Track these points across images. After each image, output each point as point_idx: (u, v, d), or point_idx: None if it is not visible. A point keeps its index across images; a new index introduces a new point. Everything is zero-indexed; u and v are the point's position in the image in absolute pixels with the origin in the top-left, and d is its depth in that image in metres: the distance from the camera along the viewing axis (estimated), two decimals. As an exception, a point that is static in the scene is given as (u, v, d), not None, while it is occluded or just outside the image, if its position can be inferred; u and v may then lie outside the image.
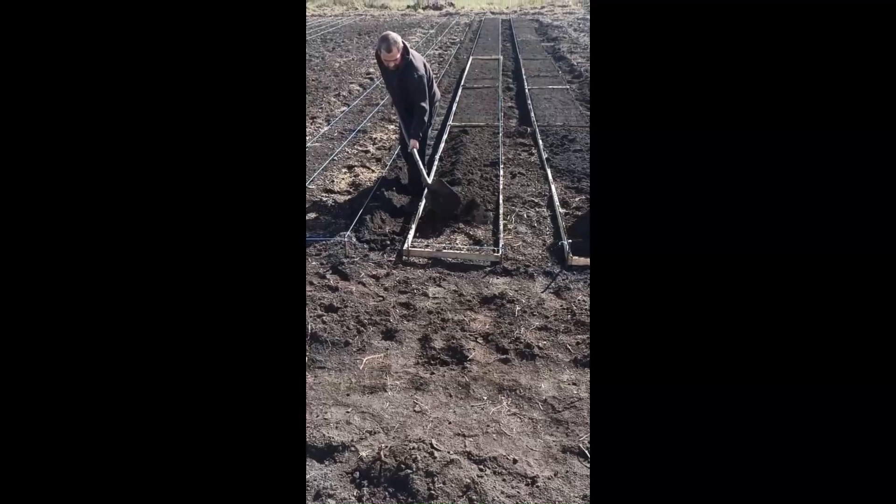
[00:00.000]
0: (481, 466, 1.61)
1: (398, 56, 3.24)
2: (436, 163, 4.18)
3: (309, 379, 2.02)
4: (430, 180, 3.44)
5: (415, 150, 3.47)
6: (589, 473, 1.60)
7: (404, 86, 3.43)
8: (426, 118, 3.48)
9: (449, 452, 1.66)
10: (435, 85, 3.67)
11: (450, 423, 1.80)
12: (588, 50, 9.16)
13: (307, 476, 1.60)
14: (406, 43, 3.34)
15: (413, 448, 1.65)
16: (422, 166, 3.47)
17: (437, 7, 18.90)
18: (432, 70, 3.64)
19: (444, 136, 4.83)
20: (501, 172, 3.97)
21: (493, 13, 17.01)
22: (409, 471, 1.56)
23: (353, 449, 1.68)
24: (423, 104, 3.40)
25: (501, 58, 8.67)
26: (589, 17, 14.30)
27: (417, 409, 1.87)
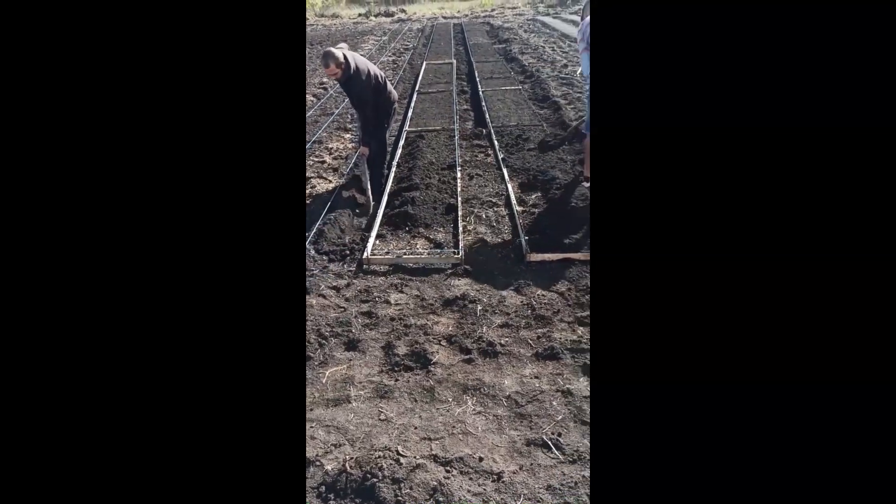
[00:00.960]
0: (448, 468, 1.62)
1: (337, 70, 3.27)
2: (393, 169, 4.18)
3: (271, 397, 1.99)
4: (371, 197, 3.49)
5: (363, 158, 3.48)
6: (553, 464, 1.63)
7: (350, 96, 3.47)
8: (373, 125, 3.51)
9: (415, 457, 1.66)
10: (390, 86, 3.67)
11: (416, 427, 1.80)
12: (538, 50, 9.36)
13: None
14: (347, 54, 3.34)
15: (379, 457, 1.65)
16: (367, 177, 3.50)
17: (388, 14, 18.93)
18: (383, 74, 3.61)
19: (401, 142, 4.84)
20: (459, 175, 4.01)
21: (444, 18, 17.15)
22: (375, 479, 1.55)
23: (318, 464, 1.66)
24: (367, 114, 3.44)
25: (455, 61, 8.75)
26: (538, 18, 14.60)
27: (383, 417, 1.86)
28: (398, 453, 1.67)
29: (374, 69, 3.51)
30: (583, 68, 3.52)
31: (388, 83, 3.67)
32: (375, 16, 18.69)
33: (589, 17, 3.37)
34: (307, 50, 11.50)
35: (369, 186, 3.54)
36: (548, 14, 15.55)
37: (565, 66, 7.81)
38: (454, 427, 1.79)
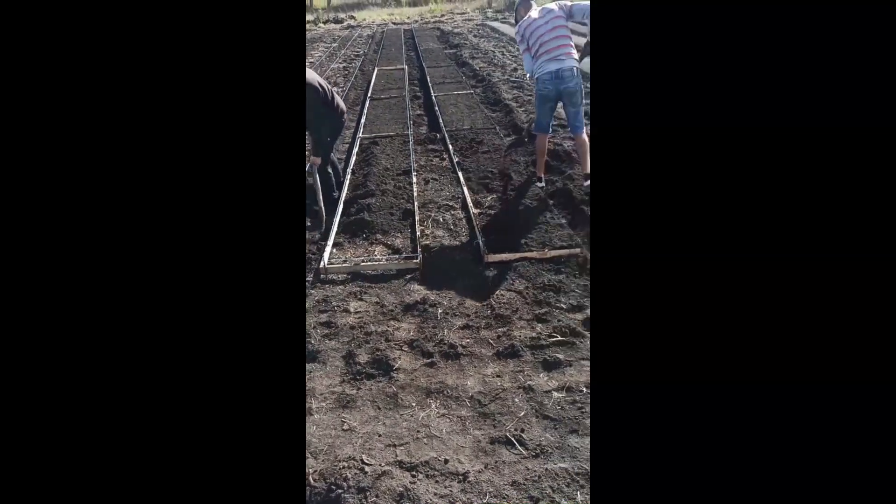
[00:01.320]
0: (413, 473, 1.62)
1: None
2: (348, 176, 4.14)
3: (229, 415, 1.93)
4: (322, 206, 3.42)
5: (315, 168, 3.42)
6: (517, 460, 1.65)
7: None
8: (320, 136, 3.43)
9: (380, 465, 1.65)
10: (338, 98, 3.59)
11: (380, 435, 1.79)
12: (489, 55, 9.51)
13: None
14: None
15: (343, 467, 1.63)
16: (319, 188, 3.43)
17: (337, 21, 18.75)
18: (328, 85, 3.54)
19: (355, 149, 4.80)
20: (415, 180, 4.01)
21: (394, 24, 17.15)
22: (340, 490, 1.53)
23: (280, 479, 1.62)
24: (318, 127, 3.36)
25: (406, 67, 8.76)
26: (487, 23, 14.85)
27: (346, 427, 1.84)
28: (363, 462, 1.66)
29: (321, 81, 3.43)
30: (526, 68, 3.62)
31: (337, 96, 3.60)
32: (325, 22, 18.48)
33: (526, 17, 3.47)
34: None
35: (321, 198, 3.46)
36: (496, 19, 15.83)
37: (515, 69, 7.97)
38: (419, 431, 1.79)
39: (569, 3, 3.33)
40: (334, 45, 12.45)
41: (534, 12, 3.47)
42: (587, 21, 3.20)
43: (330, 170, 3.71)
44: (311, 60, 10.25)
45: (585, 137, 3.43)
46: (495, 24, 14.30)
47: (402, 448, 1.73)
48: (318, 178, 3.43)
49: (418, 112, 6.21)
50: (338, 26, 17.51)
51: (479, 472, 1.61)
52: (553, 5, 3.39)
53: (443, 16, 18.52)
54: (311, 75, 3.35)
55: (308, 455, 1.72)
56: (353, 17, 19.21)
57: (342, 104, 3.67)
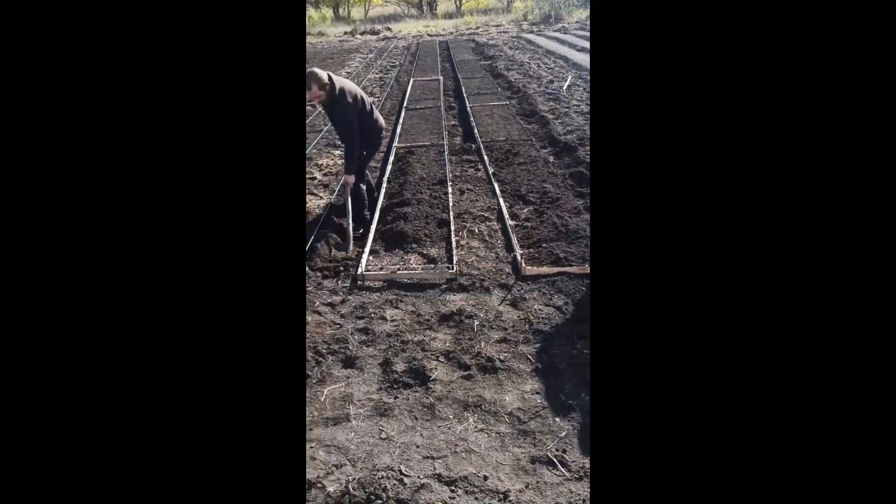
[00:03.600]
0: (452, 487, 1.59)
1: (321, 93, 3.05)
2: (383, 185, 4.18)
3: (268, 418, 1.94)
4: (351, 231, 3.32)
5: (347, 189, 3.36)
6: (559, 481, 1.61)
7: (333, 121, 3.27)
8: (355, 152, 3.29)
9: (419, 477, 1.63)
10: (377, 113, 3.48)
11: (417, 446, 1.77)
12: (524, 67, 9.51)
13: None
14: (332, 75, 3.17)
15: (382, 477, 1.61)
16: (350, 210, 3.33)
17: (374, 32, 19.12)
18: (368, 98, 3.43)
19: (391, 158, 4.85)
20: (450, 190, 4.02)
21: (430, 35, 17.38)
22: (379, 501, 1.52)
23: (319, 486, 1.62)
24: (352, 140, 3.22)
25: (442, 78, 8.84)
26: (523, 35, 14.88)
27: (384, 435, 1.83)
28: (401, 473, 1.64)
29: (361, 93, 3.33)
30: None
31: (376, 110, 3.49)
32: (361, 34, 18.87)
33: None
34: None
35: (350, 222, 3.33)
36: (531, 31, 15.87)
37: (551, 81, 7.95)
38: (457, 445, 1.77)
39: None
40: (371, 55, 12.68)
41: None
42: None
43: (363, 186, 3.59)
44: (349, 71, 10.46)
45: None
46: (531, 37, 14.33)
47: (440, 461, 1.70)
48: (349, 200, 3.36)
49: (453, 122, 6.25)
50: (374, 37, 17.86)
51: (521, 491, 1.57)
52: None
53: (478, 28, 18.68)
54: (350, 86, 3.29)
55: (346, 461, 1.72)
56: (389, 29, 19.56)
57: (381, 120, 3.54)
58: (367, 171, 3.79)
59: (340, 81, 3.23)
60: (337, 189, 4.14)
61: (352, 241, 3.32)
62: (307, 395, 2.05)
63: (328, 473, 1.67)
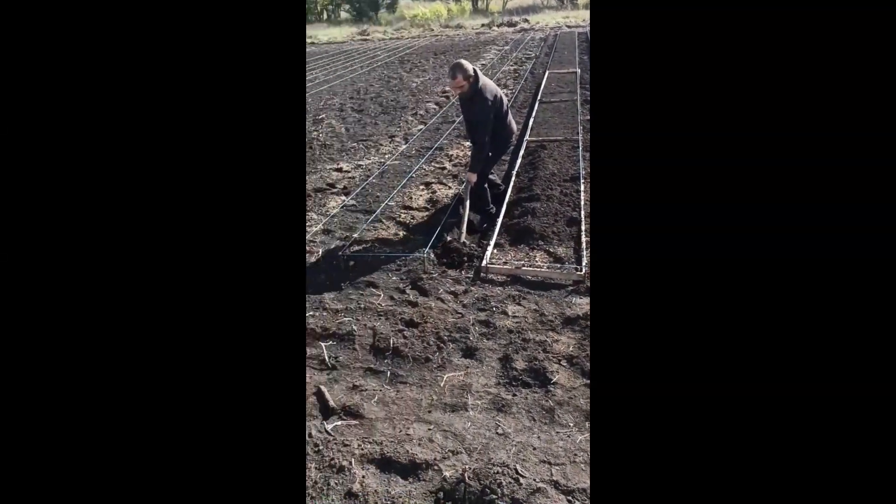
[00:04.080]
0: (570, 498, 1.53)
1: (464, 83, 3.10)
2: (512, 179, 4.15)
3: (391, 393, 2.05)
4: (464, 232, 3.30)
5: (468, 187, 3.36)
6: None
7: (468, 116, 3.29)
8: (484, 151, 3.28)
9: (535, 480, 1.59)
10: (511, 117, 3.46)
11: (534, 448, 1.74)
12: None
13: (391, 492, 1.61)
14: (478, 71, 3.20)
15: (497, 472, 1.61)
16: (466, 210, 3.32)
17: (511, 24, 19.03)
18: (507, 100, 3.41)
19: (521, 152, 4.79)
20: (583, 187, 3.85)
21: (568, 27, 16.82)
22: (494, 496, 1.52)
23: (436, 468, 1.66)
24: (483, 139, 3.21)
25: (579, 70, 8.51)
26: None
27: (500, 431, 1.82)
28: (517, 472, 1.62)
29: (501, 94, 3.34)
30: None
31: (510, 114, 3.47)
32: (498, 26, 18.90)
33: None
34: (431, 59, 11.94)
35: (465, 223, 3.32)
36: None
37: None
38: (576, 455, 1.70)
39: None
40: (506, 47, 12.65)
41: None
42: None
43: (486, 185, 3.59)
44: (484, 63, 10.55)
45: None
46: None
47: (557, 468, 1.65)
48: (467, 202, 3.35)
49: (589, 117, 5.98)
50: (511, 29, 17.77)
51: (645, 518, 1.46)
52: None
53: (621, 18, 17.60)
54: (492, 86, 3.29)
55: (462, 450, 1.74)
56: (526, 20, 19.32)
57: (514, 125, 3.54)
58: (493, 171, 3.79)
59: (484, 79, 3.25)
60: (461, 189, 4.21)
61: (464, 234, 3.34)
62: (427, 378, 2.12)
63: (444, 458, 1.71)
